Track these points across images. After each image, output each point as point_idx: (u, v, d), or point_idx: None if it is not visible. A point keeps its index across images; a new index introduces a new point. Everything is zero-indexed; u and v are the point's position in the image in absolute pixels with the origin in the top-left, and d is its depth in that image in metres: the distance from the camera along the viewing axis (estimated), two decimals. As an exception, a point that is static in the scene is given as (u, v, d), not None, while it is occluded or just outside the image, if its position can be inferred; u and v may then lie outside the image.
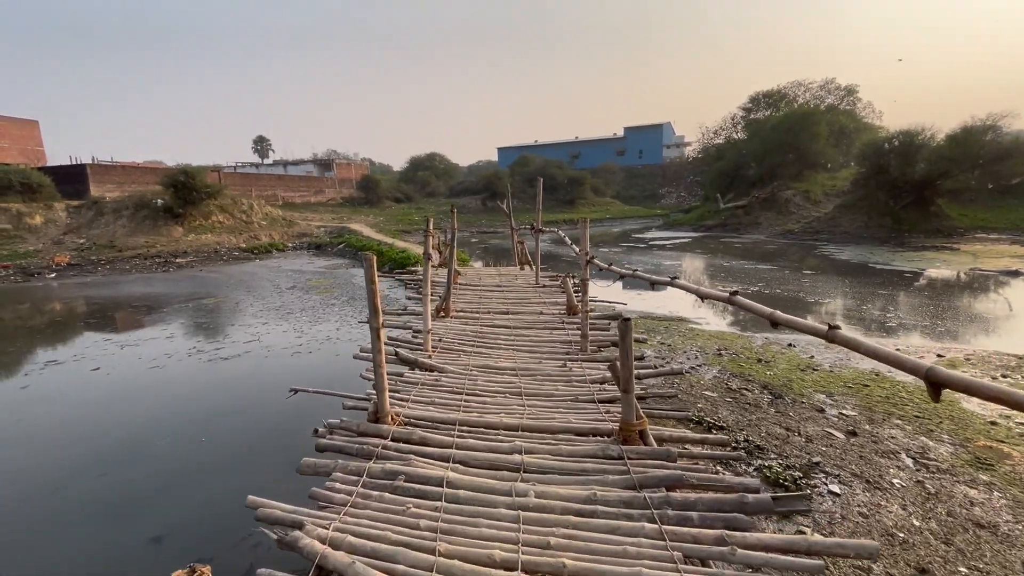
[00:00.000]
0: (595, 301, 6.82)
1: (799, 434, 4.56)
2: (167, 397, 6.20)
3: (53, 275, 17.56)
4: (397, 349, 4.34)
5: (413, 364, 4.38)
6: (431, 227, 4.79)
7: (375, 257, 3.34)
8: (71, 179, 29.15)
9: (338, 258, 20.81)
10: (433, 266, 9.89)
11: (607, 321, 5.86)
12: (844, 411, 5.05)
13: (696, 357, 6.86)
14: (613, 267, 3.81)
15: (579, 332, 5.38)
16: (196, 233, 24.76)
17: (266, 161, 65.24)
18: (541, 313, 6.47)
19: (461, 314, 6.47)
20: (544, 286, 8.16)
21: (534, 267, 9.53)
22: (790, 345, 7.31)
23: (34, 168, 27.20)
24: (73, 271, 18.76)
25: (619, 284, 16.29)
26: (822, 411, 5.07)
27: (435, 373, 4.30)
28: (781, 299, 10.98)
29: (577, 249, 4.94)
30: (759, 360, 6.72)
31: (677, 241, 24.87)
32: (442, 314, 6.18)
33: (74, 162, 33.34)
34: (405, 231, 32.69)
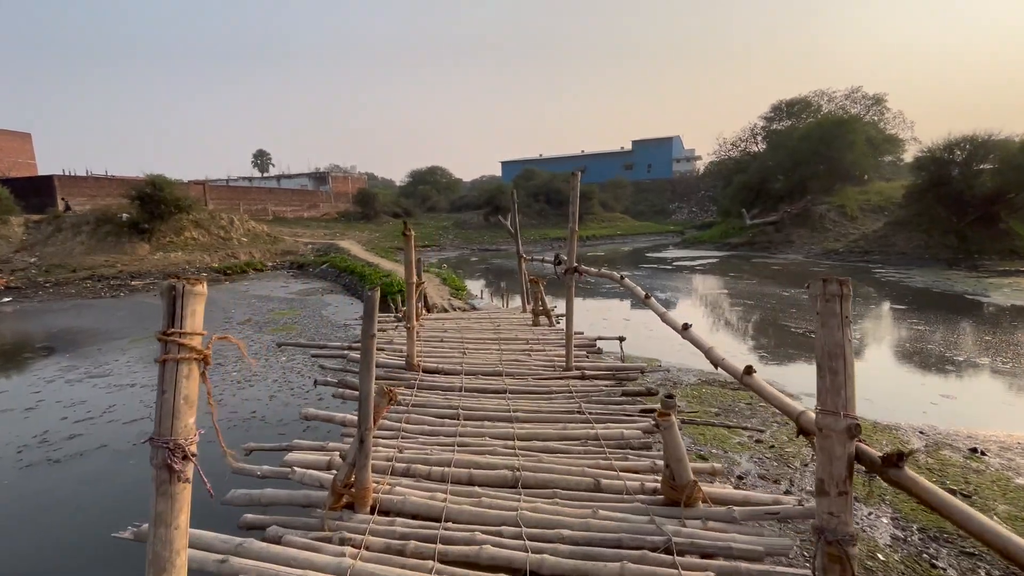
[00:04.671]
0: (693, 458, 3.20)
1: None
2: None
3: (-23, 301, 14.97)
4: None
5: None
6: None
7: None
8: (38, 192, 26.96)
9: (318, 280, 18.18)
10: (419, 317, 6.27)
11: (770, 519, 2.21)
12: None
13: (832, 478, 4.04)
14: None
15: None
16: (165, 251, 22.27)
17: (265, 175, 63.41)
18: (598, 488, 2.53)
19: (405, 495, 2.40)
20: (585, 376, 4.18)
21: (553, 319, 6.11)
22: (976, 452, 4.47)
23: (-7, 180, 24.94)
24: (9, 296, 16.18)
25: (626, 304, 13.37)
26: None
27: None
28: (937, 357, 7.61)
29: (698, 339, 2.17)
30: (943, 485, 3.91)
31: (703, 262, 22.11)
32: (344, 502, 2.29)
33: (68, 174, 31.22)
34: (400, 248, 30.14)
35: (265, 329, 10.45)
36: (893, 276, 15.47)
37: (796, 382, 6.56)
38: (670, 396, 2.04)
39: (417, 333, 4.42)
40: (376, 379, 3.92)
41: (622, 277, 3.33)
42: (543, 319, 5.79)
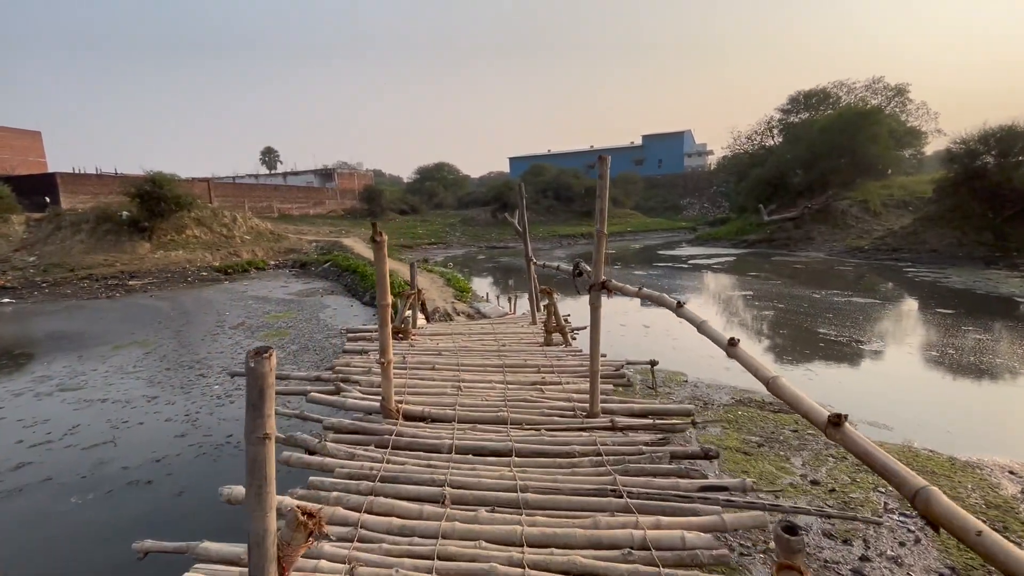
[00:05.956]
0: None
1: None
2: None
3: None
4: None
5: None
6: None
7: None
8: (40, 190, 26.67)
9: (319, 280, 17.57)
10: (411, 335, 5.19)
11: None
12: None
13: (921, 551, 3.26)
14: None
15: None
16: (166, 249, 21.82)
17: (272, 172, 63.16)
18: None
19: None
20: (616, 426, 3.21)
21: (568, 337, 5.16)
22: (1091, 501, 3.66)
23: (-5, 178, 24.69)
24: (6, 296, 15.79)
25: (637, 303, 12.50)
26: None
27: None
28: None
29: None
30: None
31: (720, 260, 21.20)
32: None
33: (76, 171, 31.00)
34: (406, 246, 29.55)
35: (258, 334, 9.82)
36: (928, 276, 14.48)
37: (840, 400, 5.75)
38: (791, 529, 1.13)
39: (404, 357, 3.58)
40: (338, 432, 3.10)
41: (679, 304, 2.27)
42: (557, 336, 4.91)
